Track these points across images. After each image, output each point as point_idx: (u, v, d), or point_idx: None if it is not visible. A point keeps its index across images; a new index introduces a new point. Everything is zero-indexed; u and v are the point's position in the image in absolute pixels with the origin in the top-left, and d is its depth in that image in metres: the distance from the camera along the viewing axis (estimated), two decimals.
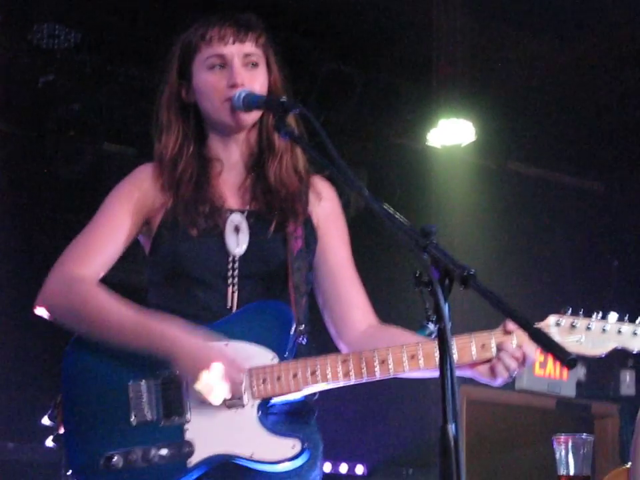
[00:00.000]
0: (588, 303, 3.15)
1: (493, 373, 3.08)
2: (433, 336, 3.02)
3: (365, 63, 7.50)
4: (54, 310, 3.15)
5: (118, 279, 3.35)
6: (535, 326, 2.45)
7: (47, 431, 3.15)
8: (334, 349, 3.25)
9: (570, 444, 3.70)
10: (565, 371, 8.28)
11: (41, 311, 3.17)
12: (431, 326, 2.94)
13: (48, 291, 3.16)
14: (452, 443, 2.38)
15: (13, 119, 7.06)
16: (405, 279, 2.59)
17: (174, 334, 3.01)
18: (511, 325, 3.07)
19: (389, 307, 6.63)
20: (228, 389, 2.96)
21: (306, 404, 3.20)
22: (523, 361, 3.06)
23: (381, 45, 7.36)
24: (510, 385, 8.38)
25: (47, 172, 6.98)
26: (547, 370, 8.42)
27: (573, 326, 3.06)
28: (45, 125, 6.92)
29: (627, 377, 8.42)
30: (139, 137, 7.04)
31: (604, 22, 6.97)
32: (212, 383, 2.95)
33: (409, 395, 7.50)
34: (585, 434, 4.58)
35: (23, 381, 6.61)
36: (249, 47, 3.25)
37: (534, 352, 3.05)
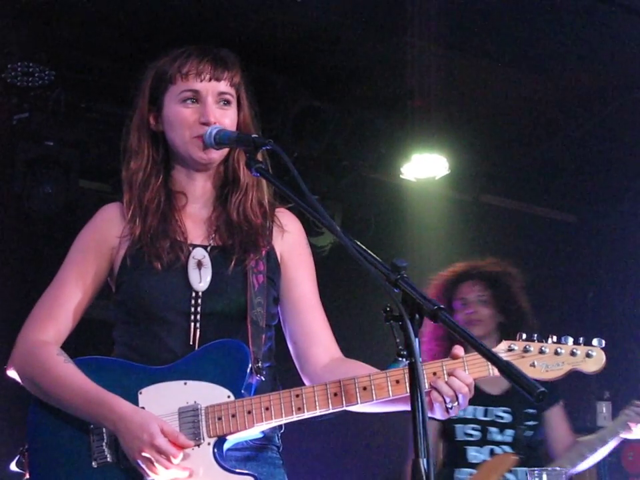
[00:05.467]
0: (563, 334, 3.14)
1: (429, 404, 2.96)
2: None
3: (338, 98, 7.53)
4: (20, 375, 3.21)
5: (87, 315, 3.35)
6: (505, 359, 2.47)
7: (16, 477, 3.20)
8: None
9: (544, 477, 3.71)
10: None
11: (12, 374, 3.23)
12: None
13: (15, 356, 3.22)
14: (424, 478, 2.39)
15: None
16: (377, 313, 2.59)
17: (119, 412, 3.02)
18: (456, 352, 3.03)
19: (362, 342, 6.65)
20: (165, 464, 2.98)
21: (268, 439, 3.22)
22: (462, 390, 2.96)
23: (354, 80, 7.39)
24: None
25: (22, 209, 6.97)
26: None
27: (525, 350, 3.04)
28: (19, 162, 6.91)
29: (604, 409, 8.41)
30: (114, 173, 7.02)
31: (578, 56, 7.03)
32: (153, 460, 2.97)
33: (382, 431, 7.48)
34: (558, 467, 4.61)
35: None
36: (224, 85, 3.27)
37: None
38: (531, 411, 5.39)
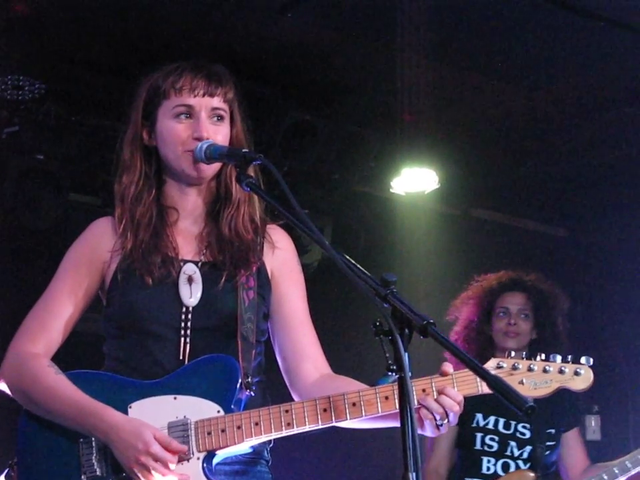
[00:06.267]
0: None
1: (419, 421, 2.99)
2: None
3: (328, 112, 7.54)
4: (9, 387, 3.22)
5: (77, 328, 3.36)
6: (493, 374, 2.47)
7: None
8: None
9: None
10: None
11: (1, 386, 3.24)
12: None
13: (5, 367, 3.24)
14: None
15: None
16: (366, 328, 2.60)
17: (110, 422, 3.03)
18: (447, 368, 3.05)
19: (352, 357, 6.64)
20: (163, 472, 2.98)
21: (257, 453, 3.23)
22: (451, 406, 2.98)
23: (344, 93, 7.40)
24: None
25: (12, 223, 6.96)
26: None
27: (514, 367, 3.07)
28: (9, 175, 6.91)
29: (592, 422, 8.44)
30: (104, 187, 7.04)
31: (568, 71, 7.05)
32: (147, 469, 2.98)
33: (372, 446, 7.48)
34: None
35: None
36: (217, 101, 3.28)
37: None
38: (551, 430, 5.37)
